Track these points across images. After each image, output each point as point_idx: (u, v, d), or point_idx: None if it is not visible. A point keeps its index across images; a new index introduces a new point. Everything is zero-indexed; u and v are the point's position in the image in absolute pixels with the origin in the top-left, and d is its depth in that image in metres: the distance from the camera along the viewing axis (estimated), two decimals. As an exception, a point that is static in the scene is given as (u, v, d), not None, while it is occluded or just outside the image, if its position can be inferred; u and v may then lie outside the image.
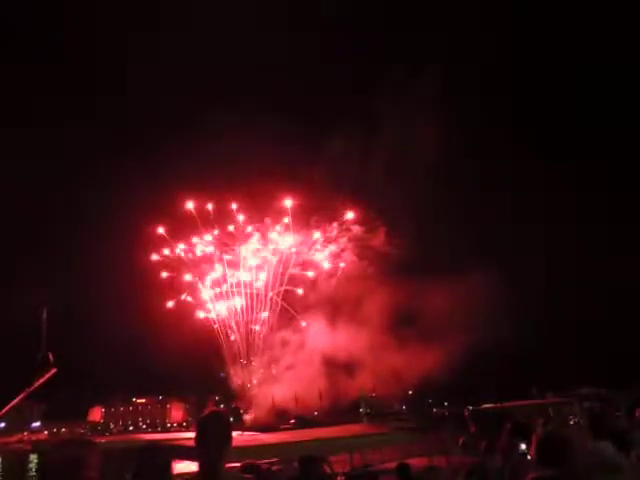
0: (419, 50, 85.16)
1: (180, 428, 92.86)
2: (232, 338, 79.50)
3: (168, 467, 3.06)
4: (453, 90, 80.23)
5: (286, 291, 79.13)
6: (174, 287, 77.76)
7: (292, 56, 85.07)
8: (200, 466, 2.92)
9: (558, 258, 71.78)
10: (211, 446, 2.92)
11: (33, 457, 51.54)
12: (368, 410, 76.85)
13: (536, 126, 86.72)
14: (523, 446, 4.65)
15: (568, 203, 71.82)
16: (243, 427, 72.64)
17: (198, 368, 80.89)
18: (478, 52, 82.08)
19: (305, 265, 79.47)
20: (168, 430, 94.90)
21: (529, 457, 4.29)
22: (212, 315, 79.28)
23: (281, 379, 74.83)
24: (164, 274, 77.12)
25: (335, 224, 78.38)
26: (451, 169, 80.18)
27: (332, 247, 79.07)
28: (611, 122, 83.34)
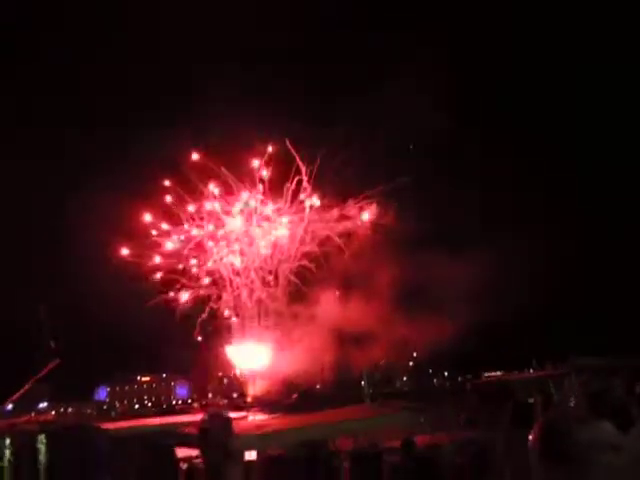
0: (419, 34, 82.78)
1: (185, 405, 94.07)
2: (234, 318, 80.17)
3: (174, 464, 3.12)
4: (456, 59, 78.76)
5: (298, 266, 79.60)
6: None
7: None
8: (205, 465, 2.98)
9: (560, 230, 71.55)
10: (214, 447, 2.97)
11: (41, 437, 52.21)
12: (371, 390, 77.47)
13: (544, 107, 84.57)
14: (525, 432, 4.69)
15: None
16: (246, 404, 73.33)
17: (201, 344, 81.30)
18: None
19: (318, 240, 79.88)
20: (173, 408, 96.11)
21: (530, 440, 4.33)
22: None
23: (286, 353, 75.47)
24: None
25: (350, 201, 78.37)
26: (459, 141, 79.03)
27: (344, 223, 79.19)
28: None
